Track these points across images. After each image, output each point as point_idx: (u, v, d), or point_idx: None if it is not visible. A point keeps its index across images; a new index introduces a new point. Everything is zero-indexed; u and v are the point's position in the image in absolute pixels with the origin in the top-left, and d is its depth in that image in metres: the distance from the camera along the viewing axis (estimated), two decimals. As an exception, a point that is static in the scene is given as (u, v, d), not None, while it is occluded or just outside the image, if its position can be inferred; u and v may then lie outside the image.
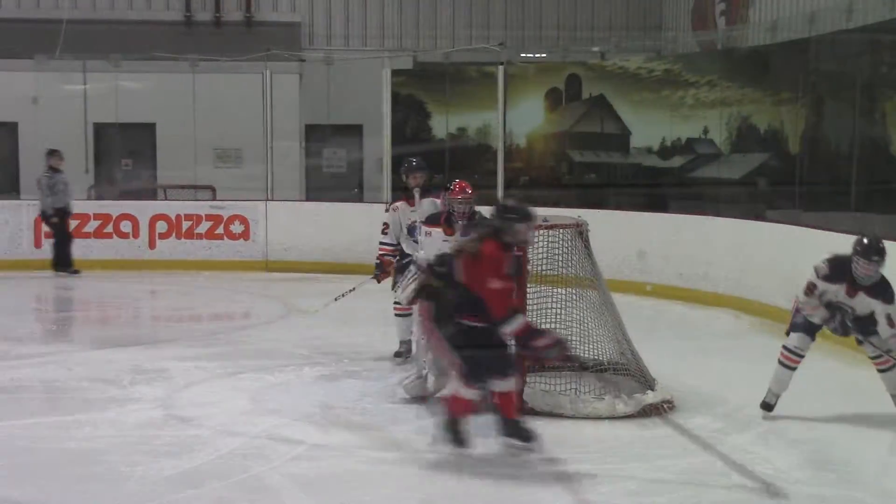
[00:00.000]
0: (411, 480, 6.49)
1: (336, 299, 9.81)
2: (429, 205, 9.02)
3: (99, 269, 15.79)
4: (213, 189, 18.88)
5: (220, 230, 16.24)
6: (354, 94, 19.19)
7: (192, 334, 11.75)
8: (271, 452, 6.97)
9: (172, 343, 10.83)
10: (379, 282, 9.59)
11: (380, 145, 17.66)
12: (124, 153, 19.54)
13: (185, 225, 16.20)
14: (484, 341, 6.70)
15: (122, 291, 14.69)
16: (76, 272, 15.46)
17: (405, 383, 8.22)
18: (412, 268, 8.29)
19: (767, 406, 7.71)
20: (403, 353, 9.43)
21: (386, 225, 9.43)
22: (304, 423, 7.72)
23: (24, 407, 8.26)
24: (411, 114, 18.50)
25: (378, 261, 9.52)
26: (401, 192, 9.59)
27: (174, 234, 16.01)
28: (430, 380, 8.08)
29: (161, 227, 16.24)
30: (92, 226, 16.25)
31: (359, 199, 19.25)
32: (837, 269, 7.42)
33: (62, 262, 15.51)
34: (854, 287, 7.34)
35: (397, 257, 9.38)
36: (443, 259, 6.97)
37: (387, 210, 9.57)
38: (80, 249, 15.93)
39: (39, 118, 18.98)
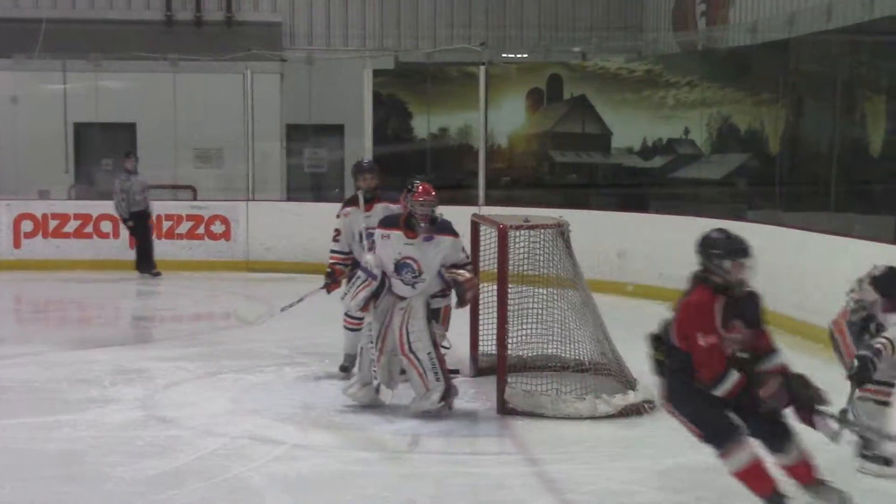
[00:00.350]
0: (393, 481, 6.49)
1: (282, 310, 9.48)
2: (382, 210, 8.62)
3: (79, 270, 15.73)
4: (193, 189, 18.81)
5: (201, 230, 16.20)
6: (335, 94, 19.15)
7: (172, 335, 11.71)
8: (252, 453, 6.97)
9: (153, 343, 10.83)
10: (329, 292, 9.01)
11: (361, 145, 17.65)
12: (104, 153, 19.44)
13: (166, 225, 16.13)
14: (742, 409, 5.67)
15: (103, 291, 14.64)
16: (158, 274, 15.33)
17: (350, 391, 8.08)
18: (360, 273, 8.00)
19: (888, 462, 6.43)
20: (349, 368, 8.88)
21: (337, 231, 8.96)
22: (285, 423, 7.72)
23: (3, 408, 8.23)
24: (392, 114, 18.48)
25: (329, 269, 9.00)
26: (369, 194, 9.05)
27: (155, 235, 15.94)
28: (383, 389, 7.96)
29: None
30: (72, 226, 16.19)
31: (340, 199, 19.17)
32: (891, 282, 6.44)
33: (144, 264, 15.40)
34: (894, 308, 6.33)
35: (350, 266, 8.88)
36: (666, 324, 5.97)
37: (338, 216, 9.04)
38: (59, 250, 15.92)
39: (19, 118, 18.89)
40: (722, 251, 5.72)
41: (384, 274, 7.86)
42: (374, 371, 7.90)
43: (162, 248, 15.89)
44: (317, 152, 20.24)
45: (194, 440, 7.25)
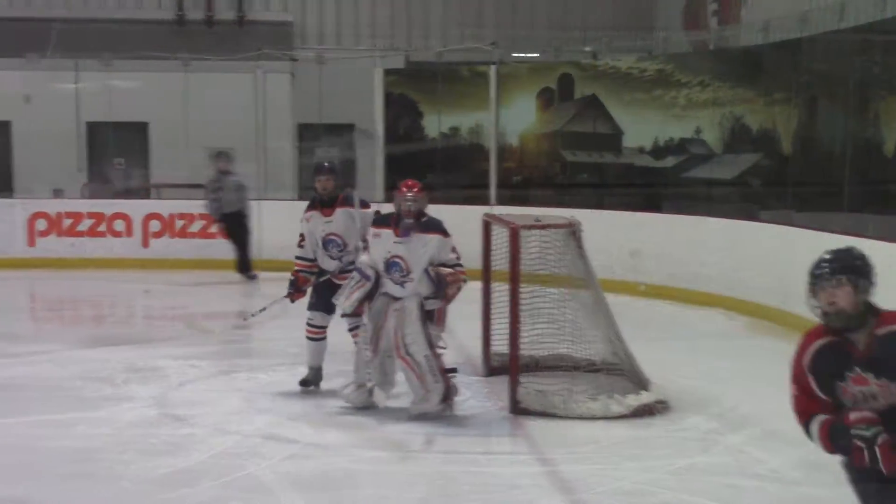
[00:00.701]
0: (406, 480, 6.50)
1: (245, 319, 9.37)
2: (342, 215, 8.41)
3: (92, 268, 15.78)
4: (206, 188, 18.83)
5: (214, 229, 16.19)
6: (346, 94, 19.15)
7: (185, 333, 11.73)
8: (265, 451, 6.98)
9: (166, 342, 10.82)
10: (293, 301, 8.69)
11: (372, 145, 17.66)
12: (117, 152, 19.51)
13: (179, 224, 16.18)
14: None
15: (116, 290, 14.70)
16: (254, 277, 15.00)
17: (345, 392, 8.03)
18: (356, 274, 7.83)
19: None
20: (311, 382, 8.61)
21: (302, 237, 8.59)
22: (297, 421, 7.74)
23: (17, 405, 8.26)
24: (404, 113, 18.49)
25: (293, 277, 8.63)
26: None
27: (167, 233, 15.98)
28: (377, 391, 7.92)
29: (154, 225, 16.22)
30: (85, 224, 16.27)
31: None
32: None
33: (241, 266, 15.14)
34: None
35: (315, 273, 8.57)
36: None
37: (302, 220, 8.67)
38: (73, 248, 15.98)
39: (32, 117, 18.96)
40: (807, 278, 4.36)
41: (378, 274, 7.79)
42: (369, 373, 7.86)
43: (175, 247, 15.94)
44: (328, 151, 20.25)
45: (207, 438, 7.27)
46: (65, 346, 10.58)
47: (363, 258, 7.89)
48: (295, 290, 8.65)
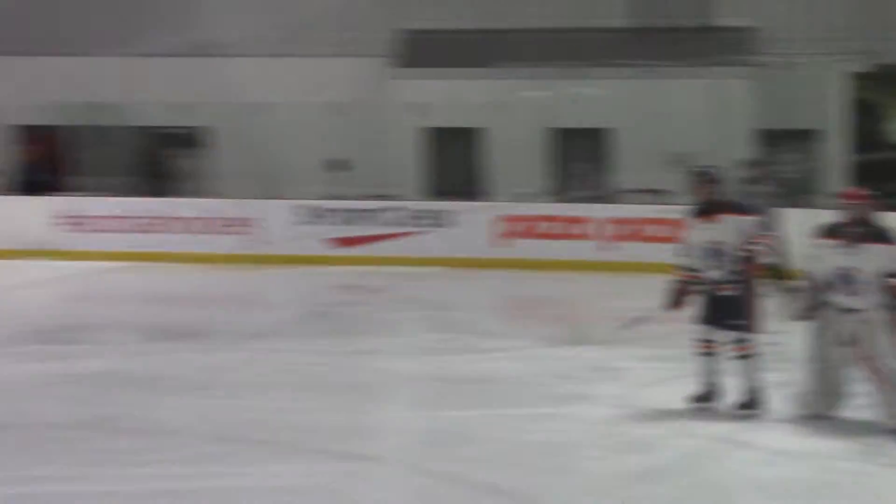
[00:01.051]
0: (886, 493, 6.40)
1: (625, 326, 9.29)
2: (725, 223, 8.07)
3: (558, 270, 16.25)
4: (666, 193, 18.95)
5: (673, 234, 16.23)
6: (810, 99, 18.79)
7: (648, 335, 11.85)
8: (729, 455, 7.12)
9: (628, 343, 10.96)
10: (671, 311, 8.41)
11: (836, 151, 17.24)
12: (581, 157, 20.04)
13: (640, 228, 16.40)
14: None
15: (579, 291, 15.03)
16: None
17: (799, 402, 7.87)
18: (804, 283, 7.74)
19: None
20: (705, 398, 8.20)
21: (684, 245, 8.36)
22: (759, 428, 7.74)
23: (494, 398, 8.77)
24: (870, 118, 17.93)
25: (673, 287, 8.39)
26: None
27: (629, 237, 16.23)
28: (828, 402, 7.76)
29: (617, 229, 16.53)
30: (552, 227, 16.79)
31: (814, 205, 18.81)
32: None
33: (775, 274, 15.11)
34: None
35: (699, 283, 8.21)
36: None
37: (685, 228, 8.43)
38: (540, 250, 16.51)
39: (499, 124, 19.89)
40: None
41: (823, 284, 7.67)
42: (821, 383, 7.75)
43: (636, 251, 16.09)
44: (790, 157, 19.91)
45: (671, 439, 7.47)
46: (532, 344, 11.06)
47: (811, 268, 7.79)
48: (673, 301, 8.43)
